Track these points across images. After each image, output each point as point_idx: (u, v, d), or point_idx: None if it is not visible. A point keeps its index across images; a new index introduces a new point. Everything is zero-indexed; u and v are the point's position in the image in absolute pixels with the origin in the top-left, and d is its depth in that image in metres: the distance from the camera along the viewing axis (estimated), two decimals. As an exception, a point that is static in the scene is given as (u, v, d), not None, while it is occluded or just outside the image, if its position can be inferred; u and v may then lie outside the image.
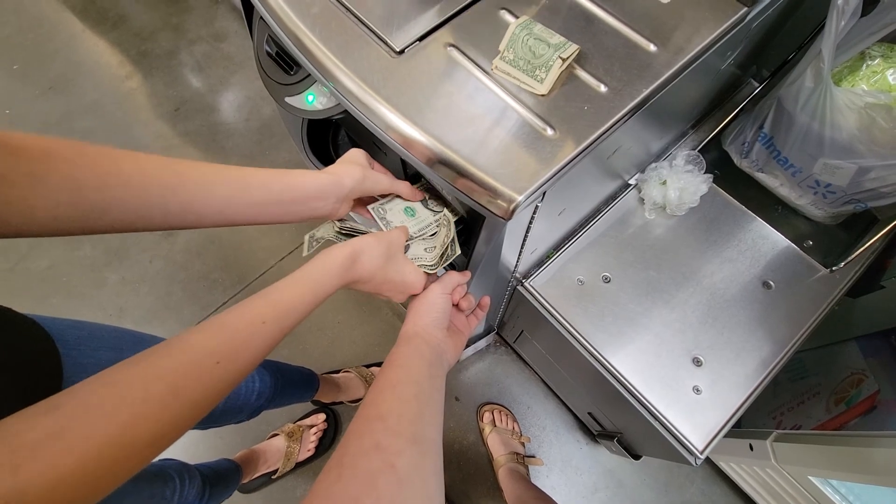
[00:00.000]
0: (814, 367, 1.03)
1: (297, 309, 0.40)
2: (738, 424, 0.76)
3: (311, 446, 1.21)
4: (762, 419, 1.04)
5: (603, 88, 0.50)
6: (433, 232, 0.59)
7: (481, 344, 1.30)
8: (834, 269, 0.82)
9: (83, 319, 0.58)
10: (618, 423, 1.01)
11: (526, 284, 0.85)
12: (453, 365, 0.51)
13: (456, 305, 0.56)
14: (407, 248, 0.56)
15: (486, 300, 0.59)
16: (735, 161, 0.87)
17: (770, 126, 0.76)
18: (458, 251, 0.56)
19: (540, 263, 0.86)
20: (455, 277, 0.55)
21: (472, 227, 0.61)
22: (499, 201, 0.47)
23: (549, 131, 0.49)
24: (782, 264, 0.85)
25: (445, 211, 0.60)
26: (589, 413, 1.13)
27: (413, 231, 0.57)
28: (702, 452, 0.73)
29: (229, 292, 1.44)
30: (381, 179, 0.55)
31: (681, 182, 0.84)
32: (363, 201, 0.59)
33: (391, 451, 0.35)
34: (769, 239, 0.86)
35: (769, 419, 1.03)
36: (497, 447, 1.20)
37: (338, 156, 0.86)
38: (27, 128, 1.70)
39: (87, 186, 0.36)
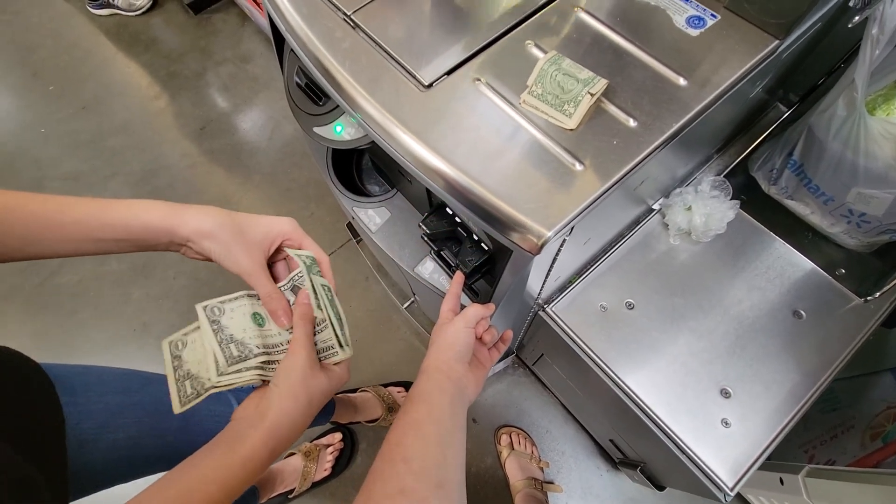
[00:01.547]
0: (847, 398, 0.99)
1: None
2: (769, 458, 0.73)
3: (328, 466, 1.21)
4: (793, 452, 1.01)
5: (632, 122, 0.50)
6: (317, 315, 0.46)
7: (500, 366, 1.28)
8: (868, 298, 0.79)
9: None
10: (641, 453, 0.99)
11: (548, 310, 0.84)
12: (474, 400, 0.51)
13: (479, 338, 0.56)
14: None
15: (509, 334, 0.59)
16: (763, 187, 0.86)
17: (800, 153, 0.74)
18: (343, 315, 0.45)
19: (562, 289, 0.85)
20: (479, 311, 0.54)
21: (496, 258, 0.61)
22: (528, 236, 0.47)
23: (578, 166, 0.49)
24: (813, 293, 0.82)
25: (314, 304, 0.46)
26: (611, 440, 1.10)
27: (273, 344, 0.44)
28: (732, 489, 0.70)
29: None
30: (241, 260, 0.43)
31: (707, 208, 0.83)
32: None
33: (417, 497, 0.35)
34: (799, 266, 0.84)
35: (800, 452, 0.99)
36: (515, 471, 1.18)
37: (362, 180, 0.88)
38: (60, 146, 1.76)
39: None
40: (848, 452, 0.88)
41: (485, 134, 0.51)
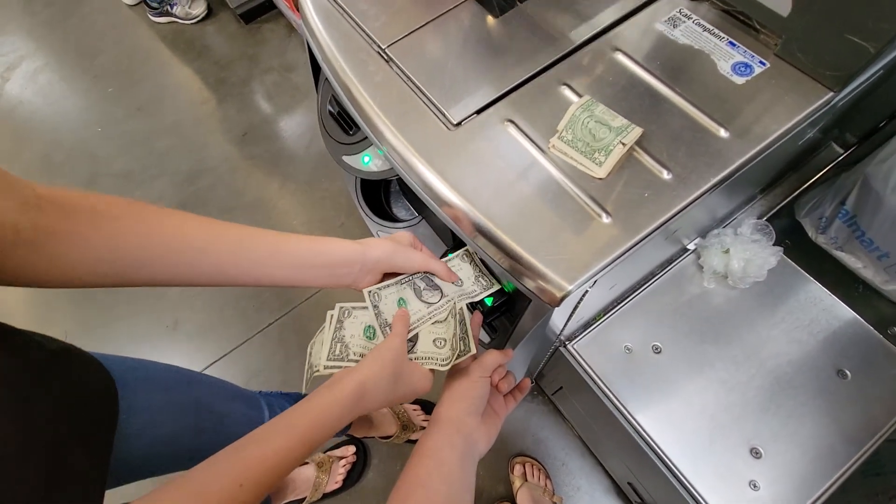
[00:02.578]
0: (892, 463, 0.91)
1: (282, 466, 0.37)
2: None
3: (340, 478, 1.22)
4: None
5: (666, 175, 0.48)
6: (441, 317, 0.55)
7: (518, 392, 1.26)
8: (924, 364, 0.73)
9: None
10: (660, 502, 0.94)
11: (569, 347, 0.82)
12: (485, 453, 0.49)
13: (494, 386, 0.54)
14: (414, 340, 0.53)
15: (527, 383, 0.57)
16: (810, 234, 0.80)
17: (853, 204, 0.69)
18: (473, 350, 0.51)
19: (586, 326, 0.83)
20: (496, 358, 0.53)
21: (516, 299, 0.59)
22: (547, 287, 0.46)
23: (606, 218, 0.47)
24: (861, 351, 0.76)
25: (447, 301, 0.56)
26: (629, 483, 1.06)
27: (414, 319, 0.53)
28: (756, 559, 0.66)
29: (275, 314, 1.49)
30: (413, 257, 0.53)
31: (746, 253, 0.78)
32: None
33: None
34: (846, 321, 0.78)
35: (837, 518, 0.92)
36: None
37: (389, 204, 0.88)
38: (114, 145, 1.87)
39: (129, 245, 0.39)
40: (891, 527, 0.81)
41: (510, 177, 0.50)
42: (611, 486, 1.20)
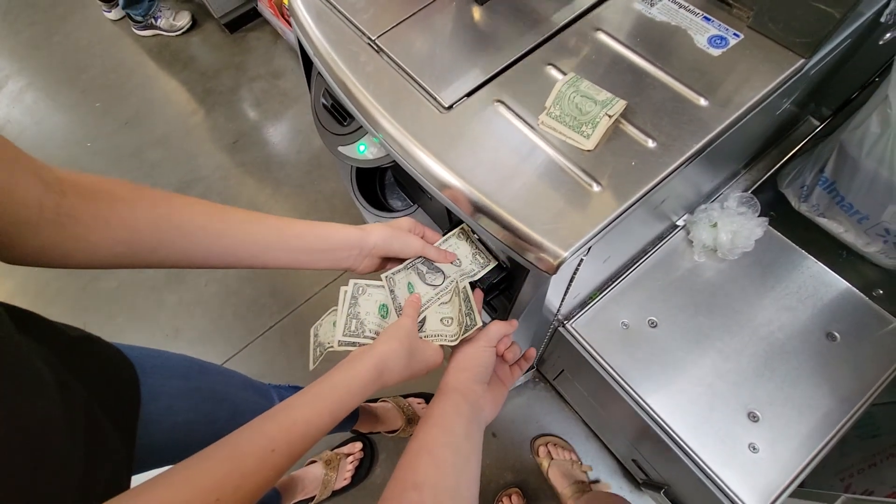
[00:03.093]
0: (887, 424, 0.94)
1: (310, 434, 0.39)
2: (802, 485, 0.70)
3: (348, 475, 1.22)
4: (828, 480, 0.96)
5: (651, 143, 0.50)
6: (446, 299, 0.57)
7: (520, 380, 1.27)
8: (909, 322, 0.75)
9: (148, 341, 0.62)
10: (665, 475, 0.96)
11: (568, 326, 0.84)
12: (491, 420, 0.51)
13: (500, 356, 0.56)
14: (423, 321, 0.54)
15: (532, 352, 0.59)
16: (793, 204, 0.83)
17: (832, 170, 0.72)
18: (479, 322, 0.52)
19: (583, 305, 0.85)
20: (501, 328, 0.53)
21: (514, 275, 0.61)
22: (544, 256, 0.48)
23: (596, 187, 0.49)
24: (848, 314, 0.79)
25: (450, 282, 0.58)
26: (633, 460, 1.07)
27: (423, 301, 0.56)
28: (760, 518, 0.68)
29: (276, 317, 1.50)
30: (411, 243, 0.55)
31: (733, 225, 0.81)
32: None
33: None
34: (833, 286, 0.81)
35: (836, 480, 0.94)
36: (560, 480, 1.16)
37: (384, 195, 0.90)
38: (105, 159, 1.87)
39: (143, 228, 0.41)
40: (887, 483, 0.83)
41: (503, 155, 0.52)
42: (616, 466, 1.22)
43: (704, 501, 0.79)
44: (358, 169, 0.84)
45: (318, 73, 0.67)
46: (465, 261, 0.60)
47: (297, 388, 0.95)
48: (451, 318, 0.55)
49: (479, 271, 0.59)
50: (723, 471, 0.71)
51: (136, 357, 0.54)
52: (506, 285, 0.64)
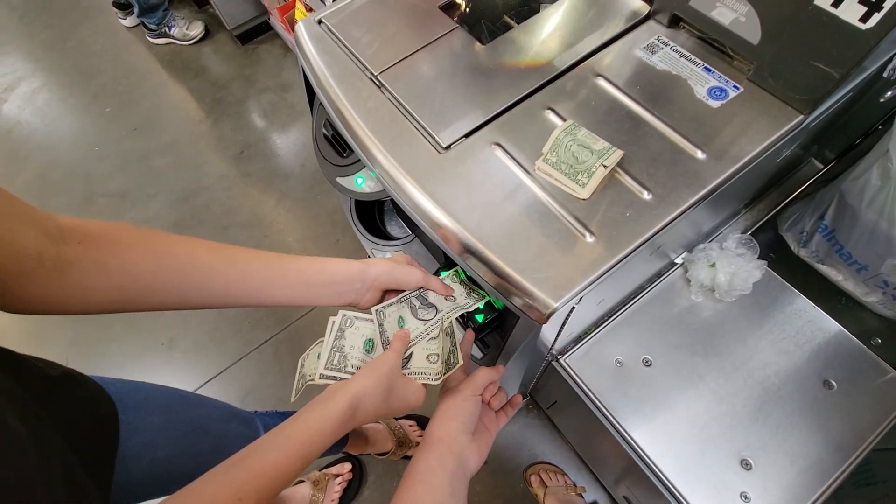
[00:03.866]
0: (883, 472, 0.92)
1: (280, 479, 0.38)
2: None
3: (336, 496, 1.21)
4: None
5: (646, 195, 0.50)
6: (434, 334, 0.56)
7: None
8: (907, 373, 0.74)
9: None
10: (656, 515, 0.94)
11: (562, 361, 0.83)
12: (476, 471, 0.50)
13: (486, 403, 0.55)
14: (409, 356, 0.54)
15: (519, 399, 0.58)
16: (792, 248, 0.83)
17: (832, 218, 0.72)
18: (461, 361, 0.52)
19: (577, 340, 0.84)
20: (487, 375, 0.53)
21: (505, 316, 0.61)
22: (534, 305, 0.47)
23: (589, 237, 0.49)
24: (846, 362, 0.78)
25: (442, 316, 0.57)
26: (625, 497, 1.06)
27: (412, 337, 0.55)
28: (749, 571, 0.66)
29: (271, 331, 1.50)
30: (413, 273, 0.55)
31: (731, 266, 0.80)
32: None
33: None
34: (830, 332, 0.80)
35: (831, 529, 0.93)
36: None
37: (383, 221, 0.90)
38: (111, 164, 1.88)
39: (143, 271, 0.41)
40: (882, 536, 0.82)
41: (498, 198, 0.52)
42: (607, 500, 1.20)
43: (694, 548, 0.77)
44: (357, 202, 0.85)
45: (320, 103, 0.67)
46: (459, 298, 0.59)
47: (282, 415, 0.94)
48: (437, 356, 0.54)
49: (473, 304, 0.59)
50: (713, 519, 0.69)
51: (117, 392, 0.54)
52: (498, 323, 0.64)
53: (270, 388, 1.44)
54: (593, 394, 0.80)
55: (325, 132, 0.69)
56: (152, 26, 2.08)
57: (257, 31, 2.10)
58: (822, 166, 0.90)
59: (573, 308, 0.53)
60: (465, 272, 0.59)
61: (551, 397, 1.08)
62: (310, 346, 0.58)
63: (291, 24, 1.82)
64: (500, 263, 0.49)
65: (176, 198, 1.78)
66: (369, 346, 0.54)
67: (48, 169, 1.89)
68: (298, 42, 0.68)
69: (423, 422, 1.31)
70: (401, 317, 0.56)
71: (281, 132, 1.89)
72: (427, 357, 0.54)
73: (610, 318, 0.84)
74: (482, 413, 0.54)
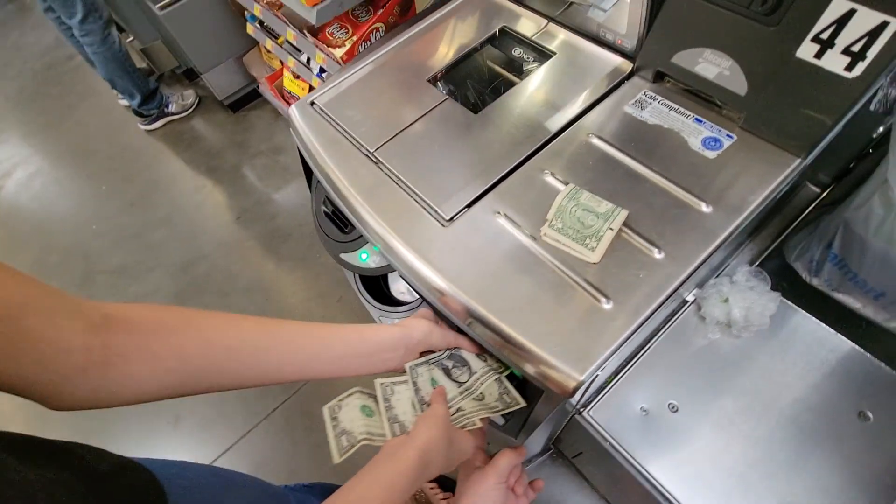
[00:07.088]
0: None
1: None
2: None
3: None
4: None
5: (657, 254, 0.49)
6: (476, 395, 0.55)
7: (537, 460, 1.21)
8: (943, 398, 0.72)
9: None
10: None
11: (584, 415, 0.80)
12: None
13: (510, 489, 0.52)
14: (455, 411, 0.53)
15: (541, 483, 0.56)
16: (804, 277, 0.82)
17: (840, 247, 0.71)
18: (522, 402, 0.51)
19: (598, 391, 0.81)
20: (510, 459, 0.51)
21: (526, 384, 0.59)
22: (559, 379, 0.46)
23: (606, 303, 0.48)
24: (879, 391, 0.75)
25: (477, 379, 0.56)
26: (666, 550, 1.00)
27: (449, 396, 0.54)
28: None
29: (279, 399, 1.46)
30: (448, 334, 0.55)
31: (745, 301, 0.79)
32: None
33: None
34: (858, 361, 0.78)
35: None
36: None
37: (388, 288, 0.89)
38: (109, 241, 1.89)
39: (193, 355, 0.40)
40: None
41: (508, 269, 0.51)
42: (647, 552, 1.13)
43: None
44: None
45: (318, 181, 0.68)
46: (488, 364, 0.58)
47: (309, 488, 0.89)
48: (486, 396, 0.53)
49: (504, 408, 0.57)
50: (764, 579, 0.65)
51: (164, 475, 0.52)
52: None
53: (282, 458, 1.38)
54: (620, 445, 0.77)
55: (326, 209, 0.69)
56: (152, 111, 2.12)
57: (247, 99, 2.17)
58: (818, 190, 0.91)
59: (595, 378, 0.52)
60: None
61: (576, 447, 1.04)
62: (339, 397, 0.55)
63: (280, 91, 1.88)
64: (520, 338, 0.47)
65: (175, 269, 1.78)
66: (368, 411, 0.53)
67: (47, 251, 1.89)
68: (293, 125, 0.69)
69: (444, 483, 1.26)
70: (433, 378, 0.55)
71: (277, 194, 1.91)
72: (473, 399, 0.53)
73: (628, 364, 0.82)
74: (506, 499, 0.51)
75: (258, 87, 2.05)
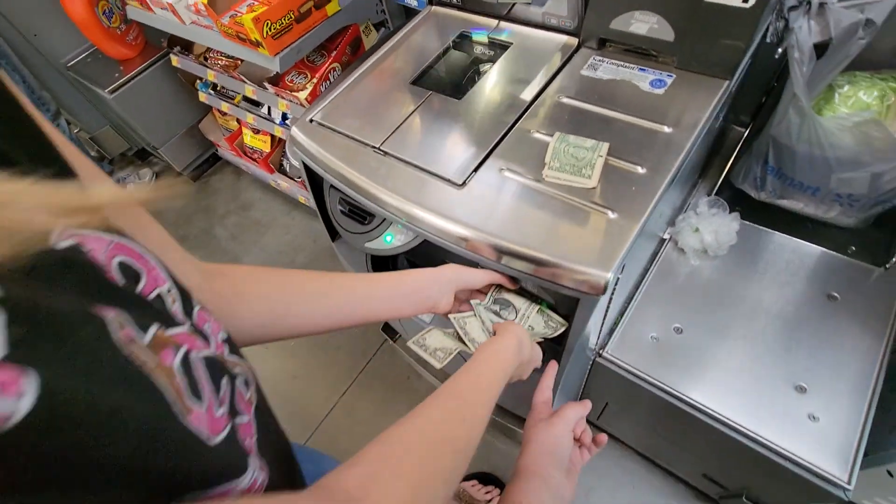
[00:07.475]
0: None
1: (488, 396, 0.44)
2: (865, 453, 0.73)
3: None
4: (885, 441, 0.99)
5: (640, 170, 0.60)
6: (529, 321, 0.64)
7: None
8: (888, 266, 0.85)
9: None
10: (741, 478, 0.96)
11: (604, 355, 0.88)
12: None
13: (576, 438, 0.54)
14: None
15: (604, 438, 0.57)
16: (753, 195, 0.96)
17: (774, 159, 0.85)
18: (565, 323, 0.61)
19: (610, 331, 0.90)
20: (577, 410, 0.53)
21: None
22: (592, 281, 0.54)
23: (612, 214, 0.57)
24: (836, 274, 0.89)
25: (525, 311, 0.64)
26: (703, 475, 1.06)
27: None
28: (849, 482, 0.70)
29: (298, 440, 1.43)
30: (478, 274, 0.60)
31: (712, 225, 0.91)
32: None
33: None
34: (813, 255, 0.91)
35: (894, 438, 0.98)
36: None
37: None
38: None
39: (276, 300, 0.46)
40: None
41: (523, 209, 0.60)
42: (686, 491, 1.19)
43: (790, 489, 0.80)
44: (374, 263, 0.90)
45: (332, 186, 0.74)
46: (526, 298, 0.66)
47: (304, 449, 0.89)
48: (535, 327, 0.62)
49: (543, 302, 0.65)
50: (796, 447, 0.73)
51: None
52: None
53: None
54: (644, 374, 0.85)
55: (342, 208, 0.75)
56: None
57: (206, 165, 2.20)
58: (743, 130, 1.07)
59: (618, 280, 0.60)
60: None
61: (600, 404, 1.11)
62: (419, 334, 0.62)
63: (242, 149, 1.93)
64: (552, 259, 0.55)
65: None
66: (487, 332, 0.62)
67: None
68: (297, 142, 0.76)
69: (483, 478, 1.27)
70: (490, 318, 0.62)
71: (254, 247, 1.93)
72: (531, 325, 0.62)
73: (629, 303, 0.92)
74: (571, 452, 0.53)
75: (217, 150, 2.10)
